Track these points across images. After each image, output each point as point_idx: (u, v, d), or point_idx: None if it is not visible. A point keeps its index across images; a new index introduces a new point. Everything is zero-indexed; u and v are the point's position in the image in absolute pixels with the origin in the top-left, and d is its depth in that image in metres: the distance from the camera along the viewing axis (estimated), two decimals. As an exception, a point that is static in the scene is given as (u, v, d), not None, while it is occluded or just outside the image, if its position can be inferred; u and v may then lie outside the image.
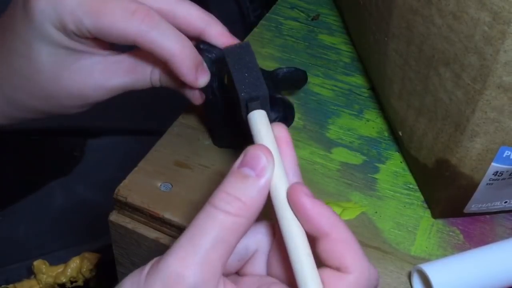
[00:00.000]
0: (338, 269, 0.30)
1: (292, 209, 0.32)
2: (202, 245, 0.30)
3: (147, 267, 0.30)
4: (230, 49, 0.40)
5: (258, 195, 0.31)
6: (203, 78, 0.44)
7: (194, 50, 0.43)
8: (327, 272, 0.31)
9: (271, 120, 0.47)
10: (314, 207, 0.31)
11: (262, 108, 0.37)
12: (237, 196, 0.31)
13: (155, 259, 0.31)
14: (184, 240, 0.30)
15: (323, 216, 0.31)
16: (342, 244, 0.31)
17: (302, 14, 0.65)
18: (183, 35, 0.43)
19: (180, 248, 0.30)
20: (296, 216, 0.31)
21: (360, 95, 0.56)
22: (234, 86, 0.38)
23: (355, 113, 0.54)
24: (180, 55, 0.42)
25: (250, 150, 0.32)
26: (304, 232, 0.31)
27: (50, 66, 0.43)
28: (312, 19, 0.64)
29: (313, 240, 0.31)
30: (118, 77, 0.45)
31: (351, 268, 0.30)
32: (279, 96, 0.47)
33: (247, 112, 0.37)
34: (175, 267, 0.29)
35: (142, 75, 0.46)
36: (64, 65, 0.44)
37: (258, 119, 0.36)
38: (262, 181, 0.31)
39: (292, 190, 0.32)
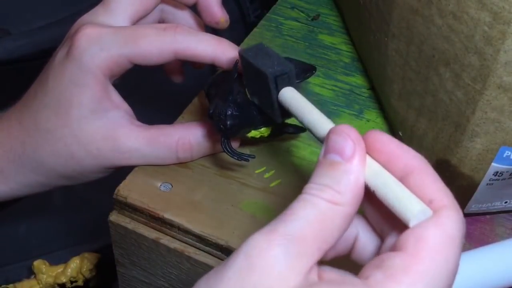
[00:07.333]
0: (430, 202, 0.28)
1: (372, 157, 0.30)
2: (295, 221, 0.27)
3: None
4: (245, 49, 0.40)
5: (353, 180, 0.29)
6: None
7: (232, 45, 0.45)
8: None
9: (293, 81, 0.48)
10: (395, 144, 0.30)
11: (290, 85, 0.37)
12: (329, 185, 0.29)
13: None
14: (274, 221, 0.28)
15: (406, 150, 0.29)
16: (432, 176, 0.29)
17: (302, 14, 0.65)
18: (214, 35, 0.45)
19: (268, 226, 0.28)
20: (382, 164, 0.29)
21: (360, 95, 0.56)
22: (258, 72, 0.37)
23: (355, 113, 0.54)
24: (219, 51, 0.44)
25: (330, 135, 0.31)
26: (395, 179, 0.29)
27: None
28: (312, 19, 0.64)
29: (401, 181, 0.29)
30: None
31: (445, 199, 0.28)
32: (288, 57, 0.47)
33: (277, 90, 0.37)
34: (260, 239, 0.27)
35: None
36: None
37: (292, 94, 0.36)
38: (354, 163, 0.29)
39: (369, 136, 0.30)
